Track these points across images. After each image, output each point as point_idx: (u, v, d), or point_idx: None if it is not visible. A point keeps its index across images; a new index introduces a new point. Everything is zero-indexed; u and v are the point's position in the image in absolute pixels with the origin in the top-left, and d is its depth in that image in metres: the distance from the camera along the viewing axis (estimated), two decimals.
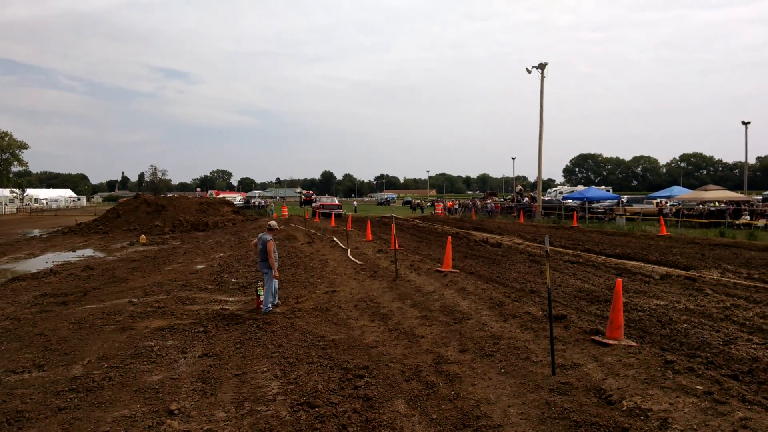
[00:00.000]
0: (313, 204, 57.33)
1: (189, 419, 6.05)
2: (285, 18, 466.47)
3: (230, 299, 12.89)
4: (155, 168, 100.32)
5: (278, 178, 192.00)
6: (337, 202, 57.92)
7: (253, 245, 11.93)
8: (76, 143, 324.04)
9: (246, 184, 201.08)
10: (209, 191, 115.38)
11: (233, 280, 15.61)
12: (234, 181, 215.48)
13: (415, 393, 6.52)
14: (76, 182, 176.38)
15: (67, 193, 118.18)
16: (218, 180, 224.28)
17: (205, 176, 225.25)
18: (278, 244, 23.27)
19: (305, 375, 7.27)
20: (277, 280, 11.41)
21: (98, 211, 56.11)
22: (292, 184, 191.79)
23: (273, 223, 11.85)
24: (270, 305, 11.18)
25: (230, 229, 34.38)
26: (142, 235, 28.72)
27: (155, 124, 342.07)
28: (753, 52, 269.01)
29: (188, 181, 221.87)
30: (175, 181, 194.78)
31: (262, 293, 11.24)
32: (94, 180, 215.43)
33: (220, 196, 74.59)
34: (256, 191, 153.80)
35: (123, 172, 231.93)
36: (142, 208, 38.20)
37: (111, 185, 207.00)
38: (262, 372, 7.55)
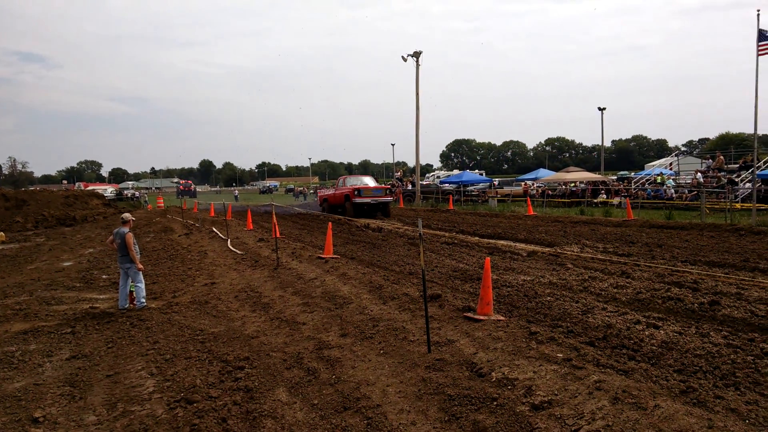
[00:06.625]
0: (328, 191, 32.53)
1: (56, 426, 5.71)
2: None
3: (101, 297, 12.21)
4: (14, 160, 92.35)
5: (153, 168, 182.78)
6: (373, 183, 30.24)
7: (109, 242, 11.36)
8: None
9: (118, 175, 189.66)
10: (77, 183, 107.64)
11: (104, 276, 14.77)
12: (104, 172, 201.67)
13: (297, 380, 6.56)
14: None
15: None
16: (87, 171, 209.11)
17: (72, 167, 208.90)
18: (153, 237, 22.28)
19: (183, 371, 7.07)
20: (140, 274, 10.89)
21: None
22: (168, 174, 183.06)
23: (126, 215, 11.35)
24: (143, 300, 10.76)
25: (101, 222, 32.44)
26: (0, 233, 26.41)
27: (12, 111, 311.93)
28: (605, 43, 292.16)
29: (53, 173, 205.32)
30: (38, 174, 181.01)
31: (135, 289, 10.78)
32: None
33: (89, 188, 69.87)
34: (130, 182, 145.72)
35: None
36: (0, 203, 35.13)
37: None
38: (137, 371, 7.26)
